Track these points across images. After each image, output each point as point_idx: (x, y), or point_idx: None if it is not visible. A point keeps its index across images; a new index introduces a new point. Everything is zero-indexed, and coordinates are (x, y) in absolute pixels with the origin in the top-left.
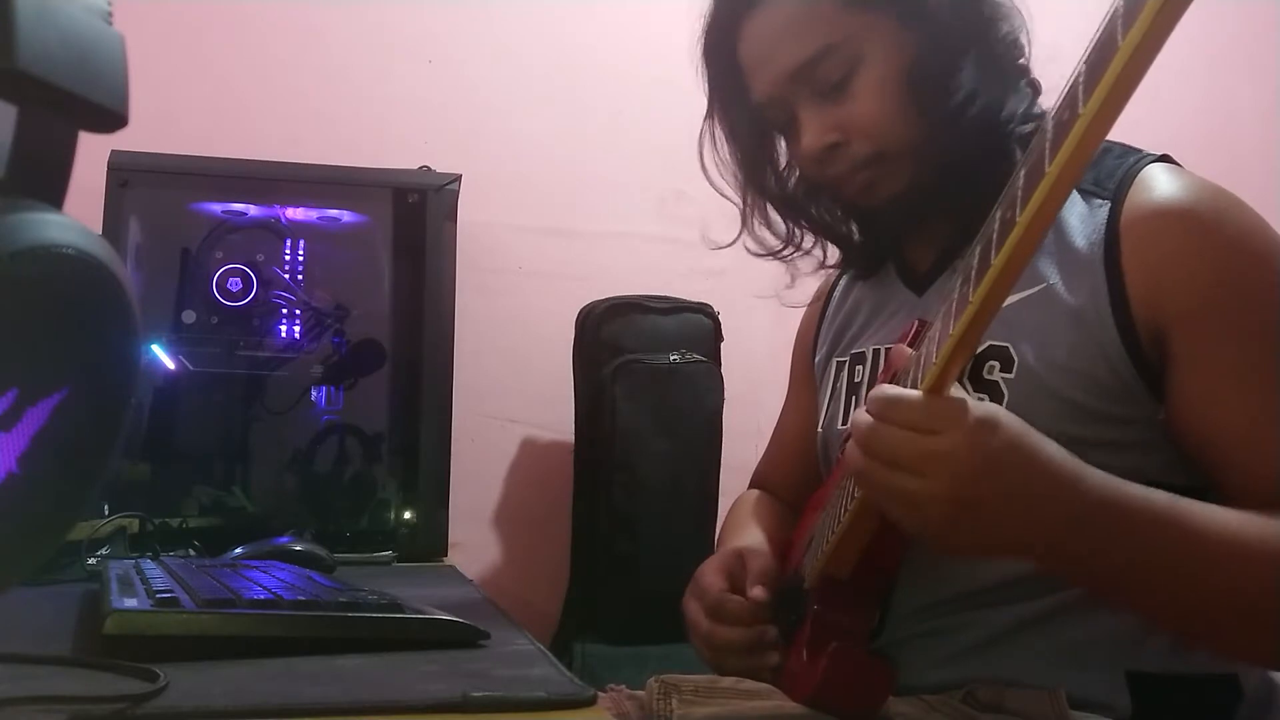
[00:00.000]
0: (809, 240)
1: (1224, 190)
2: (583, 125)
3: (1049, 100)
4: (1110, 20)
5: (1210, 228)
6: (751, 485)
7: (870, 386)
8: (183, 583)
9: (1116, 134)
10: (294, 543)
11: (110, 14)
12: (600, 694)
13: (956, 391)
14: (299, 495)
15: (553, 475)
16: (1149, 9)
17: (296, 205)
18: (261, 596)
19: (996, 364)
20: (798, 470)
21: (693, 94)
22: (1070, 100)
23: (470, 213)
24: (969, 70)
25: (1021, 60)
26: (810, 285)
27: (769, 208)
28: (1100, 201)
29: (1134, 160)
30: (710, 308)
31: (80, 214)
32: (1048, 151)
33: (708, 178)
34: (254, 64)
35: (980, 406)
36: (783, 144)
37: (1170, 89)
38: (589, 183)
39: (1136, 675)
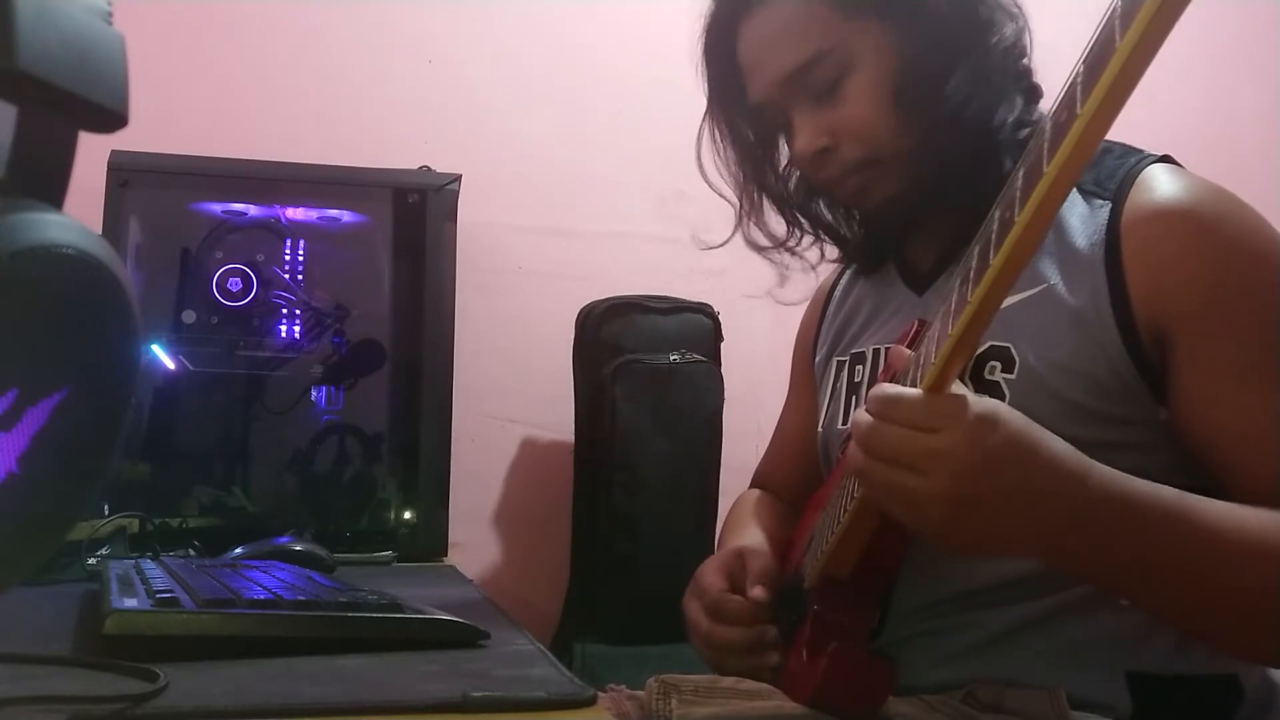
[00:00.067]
0: (807, 239)
1: (1225, 190)
2: (583, 125)
3: (1049, 103)
4: (1108, 20)
5: (1211, 228)
6: (752, 485)
7: (870, 386)
8: (183, 583)
9: (1116, 134)
10: (294, 543)
11: (110, 14)
12: (600, 694)
13: (958, 388)
14: (299, 495)
15: (553, 475)
16: (1147, 9)
17: (296, 205)
18: (261, 596)
19: (998, 364)
20: (798, 470)
21: (693, 94)
22: (1069, 100)
23: (470, 213)
24: (960, 78)
25: (1018, 67)
26: (801, 282)
27: (766, 206)
28: (1101, 202)
29: (1135, 160)
30: (710, 308)
31: (80, 214)
32: (1046, 152)
33: (704, 176)
34: (254, 64)
35: (980, 404)
36: (783, 143)
37: (1170, 89)
38: (589, 183)
39: (1137, 675)
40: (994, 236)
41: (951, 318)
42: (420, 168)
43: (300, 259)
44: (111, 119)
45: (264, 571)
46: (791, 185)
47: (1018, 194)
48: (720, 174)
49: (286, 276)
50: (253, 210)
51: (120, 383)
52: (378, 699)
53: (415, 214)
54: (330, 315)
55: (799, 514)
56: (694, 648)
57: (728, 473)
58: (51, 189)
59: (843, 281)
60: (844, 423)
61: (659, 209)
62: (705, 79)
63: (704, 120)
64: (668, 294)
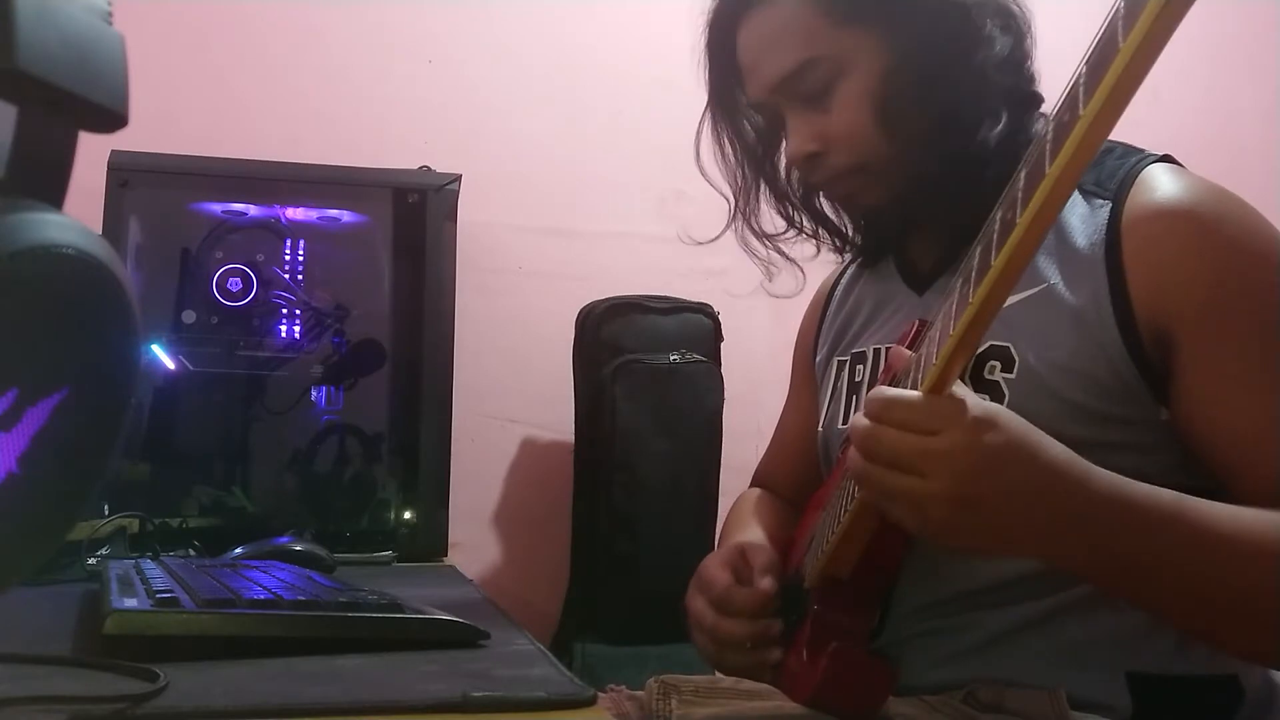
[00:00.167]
0: (802, 236)
1: (1225, 190)
2: (583, 125)
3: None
4: (1111, 21)
5: (1211, 228)
6: (753, 484)
7: (871, 386)
8: (183, 583)
9: (1116, 133)
10: (294, 543)
11: (110, 14)
12: (600, 694)
13: (958, 389)
14: (299, 495)
15: (553, 475)
16: (1150, 10)
17: (296, 205)
18: (261, 596)
19: (998, 364)
20: (799, 469)
21: (693, 94)
22: (1070, 102)
23: (470, 213)
24: (944, 92)
25: (1010, 81)
26: (797, 276)
27: (763, 203)
28: (1101, 202)
29: (1135, 160)
30: (710, 308)
31: (80, 214)
32: (1048, 153)
33: (702, 171)
34: (254, 64)
35: (979, 405)
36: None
37: (1170, 89)
38: (589, 183)
39: (1137, 676)
40: (995, 237)
41: (952, 318)
42: (420, 168)
43: (300, 259)
44: (111, 119)
45: (264, 571)
46: (794, 180)
47: (1019, 195)
48: (719, 169)
49: (286, 276)
50: (253, 210)
51: (120, 383)
52: (378, 699)
53: (415, 214)
54: (330, 315)
55: (799, 513)
56: (695, 644)
57: (728, 473)
58: (51, 189)
59: (844, 281)
60: (844, 422)
61: (659, 209)
62: (706, 74)
63: (704, 115)
64: (668, 294)
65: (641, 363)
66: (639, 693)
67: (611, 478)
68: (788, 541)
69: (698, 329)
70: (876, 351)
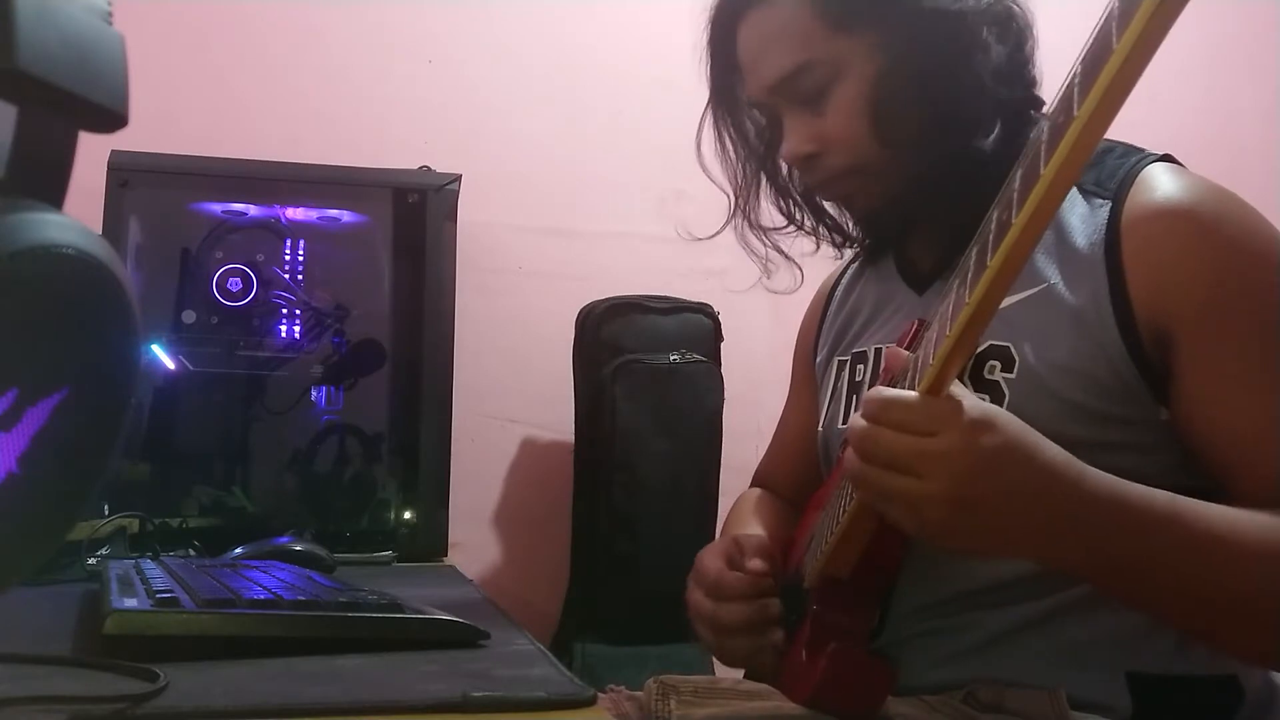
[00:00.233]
0: (801, 233)
1: (1225, 190)
2: (583, 125)
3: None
4: (1105, 21)
5: (1211, 228)
6: (753, 484)
7: (872, 386)
8: (183, 583)
9: (1115, 134)
10: (294, 543)
11: (110, 14)
12: (600, 694)
13: (956, 389)
14: (299, 495)
15: (553, 475)
16: (1144, 10)
17: (296, 205)
18: (261, 596)
19: (998, 364)
20: (799, 469)
21: (693, 94)
22: (1065, 103)
23: (470, 213)
24: (937, 99)
25: (1005, 88)
26: (787, 276)
27: (762, 201)
28: (1101, 201)
29: (1135, 160)
30: (710, 308)
31: (80, 214)
32: (1043, 154)
33: (703, 167)
34: (254, 64)
35: (977, 406)
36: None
37: (1170, 89)
38: (589, 183)
39: (1137, 676)
40: (991, 238)
41: (949, 319)
42: (420, 168)
43: (300, 259)
44: (111, 119)
45: (264, 571)
46: (794, 177)
47: (1015, 196)
48: (720, 166)
49: (286, 276)
50: (253, 210)
51: (120, 383)
52: (378, 699)
53: (415, 214)
54: (330, 315)
55: (799, 513)
56: (698, 637)
57: (728, 473)
58: (51, 189)
59: (844, 281)
60: (845, 422)
61: (659, 209)
62: (708, 70)
63: (705, 111)
64: (668, 294)
65: (641, 363)
66: (638, 693)
67: (611, 478)
68: (787, 541)
69: (698, 329)
70: (877, 351)
